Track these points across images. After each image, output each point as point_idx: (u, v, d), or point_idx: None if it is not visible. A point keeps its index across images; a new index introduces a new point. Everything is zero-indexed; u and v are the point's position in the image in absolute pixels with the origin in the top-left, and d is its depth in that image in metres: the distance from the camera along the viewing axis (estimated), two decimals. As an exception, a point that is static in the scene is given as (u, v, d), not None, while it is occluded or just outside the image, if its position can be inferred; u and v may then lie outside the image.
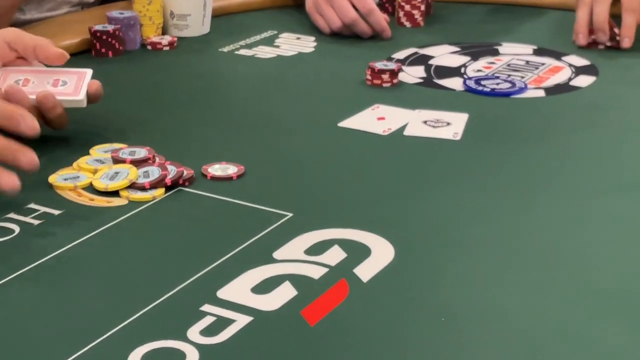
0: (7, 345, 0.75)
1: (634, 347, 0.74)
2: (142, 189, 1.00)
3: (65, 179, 1.03)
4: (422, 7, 1.65)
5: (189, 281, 0.84)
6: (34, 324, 0.78)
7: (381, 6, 1.65)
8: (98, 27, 1.47)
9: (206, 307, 0.79)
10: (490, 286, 0.84)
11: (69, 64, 1.15)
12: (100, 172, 1.03)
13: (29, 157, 0.95)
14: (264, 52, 1.51)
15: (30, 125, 0.98)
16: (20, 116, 0.98)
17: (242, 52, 1.51)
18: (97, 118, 1.18)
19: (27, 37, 1.11)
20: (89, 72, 1.10)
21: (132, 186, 1.01)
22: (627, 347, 0.73)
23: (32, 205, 0.98)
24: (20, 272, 0.86)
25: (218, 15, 1.63)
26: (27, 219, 0.95)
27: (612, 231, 0.94)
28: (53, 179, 1.03)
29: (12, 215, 0.96)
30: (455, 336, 0.77)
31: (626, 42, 1.49)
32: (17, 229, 0.93)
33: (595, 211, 0.98)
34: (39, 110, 1.09)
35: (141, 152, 1.06)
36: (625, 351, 0.72)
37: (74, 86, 1.08)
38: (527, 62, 1.46)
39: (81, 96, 1.07)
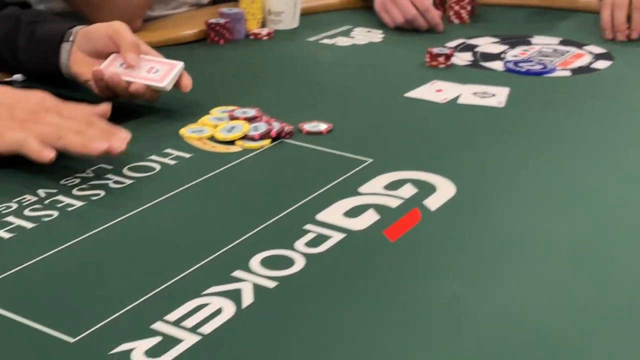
0: (160, 245, 0.80)
1: None
2: (253, 139, 1.03)
3: (192, 131, 1.06)
4: (469, 7, 1.65)
5: (293, 207, 0.86)
6: (178, 231, 0.83)
7: (434, 5, 1.65)
8: (212, 20, 1.49)
9: (308, 227, 0.82)
10: (531, 212, 0.86)
11: (188, 50, 1.16)
12: (219, 127, 1.06)
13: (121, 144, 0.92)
14: (342, 41, 1.52)
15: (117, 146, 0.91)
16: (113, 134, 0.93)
17: (325, 41, 1.52)
18: (214, 88, 1.21)
19: (127, 33, 1.12)
20: (180, 64, 1.10)
21: (245, 137, 1.03)
22: None
23: (169, 150, 1.01)
24: (165, 196, 0.89)
25: (305, 14, 1.64)
26: (166, 160, 0.98)
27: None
28: (183, 131, 1.07)
29: (153, 157, 0.99)
30: (507, 251, 0.79)
31: (634, 34, 1.48)
32: (158, 167, 0.97)
33: (615, 162, 0.99)
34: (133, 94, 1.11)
35: (251, 112, 1.09)
36: None
37: (162, 75, 1.08)
38: (555, 50, 1.46)
39: (164, 84, 1.07)
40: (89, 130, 0.92)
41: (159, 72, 1.09)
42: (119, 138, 0.91)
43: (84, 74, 1.13)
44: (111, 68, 1.10)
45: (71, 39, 1.15)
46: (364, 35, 1.55)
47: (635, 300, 0.70)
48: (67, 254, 0.77)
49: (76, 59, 1.14)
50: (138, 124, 1.08)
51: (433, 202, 0.87)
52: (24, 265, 0.74)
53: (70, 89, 1.15)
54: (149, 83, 1.09)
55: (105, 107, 0.99)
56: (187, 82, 1.10)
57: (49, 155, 0.87)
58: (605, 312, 0.68)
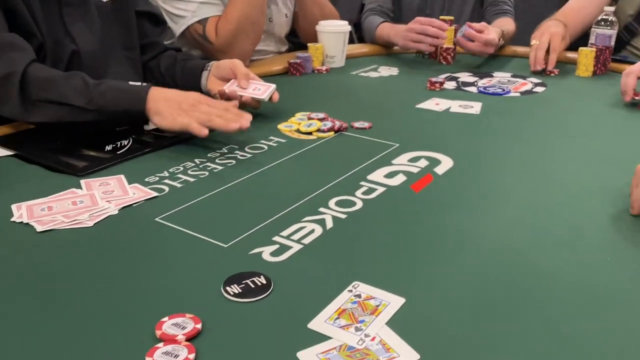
0: (273, 192, 0.82)
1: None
2: (323, 131, 1.05)
3: (285, 126, 1.09)
4: (452, 54, 1.63)
5: (352, 172, 0.89)
6: (283, 184, 0.85)
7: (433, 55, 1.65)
8: (292, 60, 1.50)
9: (363, 183, 0.85)
10: (502, 173, 0.87)
11: (276, 79, 1.19)
12: (302, 124, 1.08)
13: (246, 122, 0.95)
14: (373, 74, 1.51)
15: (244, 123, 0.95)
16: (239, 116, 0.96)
17: (362, 74, 1.52)
18: (295, 102, 1.22)
19: (241, 67, 1.13)
20: (273, 86, 1.11)
21: (318, 130, 1.05)
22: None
23: (271, 137, 1.04)
24: (272, 164, 0.92)
25: (349, 58, 1.63)
26: (270, 143, 1.01)
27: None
28: (280, 126, 1.09)
29: (262, 142, 1.02)
30: (492, 197, 0.80)
31: (550, 67, 1.49)
32: (265, 147, 0.99)
33: (549, 146, 0.99)
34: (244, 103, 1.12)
35: (321, 115, 1.11)
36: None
37: (262, 92, 1.09)
38: (509, 80, 1.45)
39: (264, 97, 1.09)
40: (227, 114, 0.96)
41: (260, 90, 1.11)
42: (246, 119, 0.95)
43: (214, 90, 1.15)
44: (231, 87, 1.12)
45: (208, 69, 1.18)
46: (387, 71, 1.56)
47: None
48: (216, 196, 0.81)
49: (211, 81, 1.17)
50: (253, 125, 1.09)
51: (440, 170, 0.89)
52: (190, 203, 0.78)
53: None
54: (254, 96, 1.11)
55: (235, 102, 1.04)
56: (277, 97, 1.12)
57: (205, 132, 0.92)
58: (572, 240, 0.70)
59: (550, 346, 0.52)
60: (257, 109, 1.14)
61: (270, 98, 1.11)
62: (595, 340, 0.52)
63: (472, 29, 1.54)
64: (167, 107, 0.95)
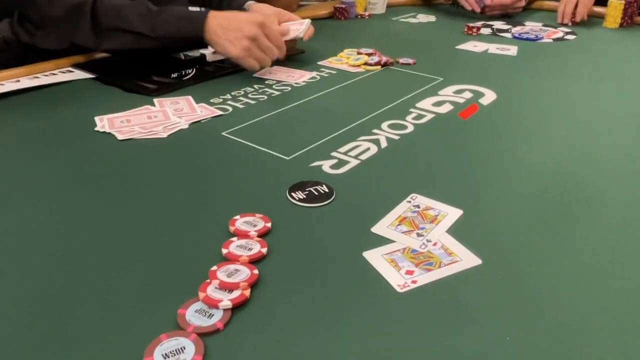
0: (330, 114, 0.76)
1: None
2: (371, 65, 0.98)
3: (335, 60, 1.02)
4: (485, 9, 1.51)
5: (401, 100, 0.83)
6: (339, 108, 0.79)
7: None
8: (337, 5, 1.41)
9: (412, 110, 0.79)
10: (540, 108, 0.80)
11: (323, 22, 1.10)
12: (351, 57, 1.02)
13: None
14: (412, 20, 1.42)
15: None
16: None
17: (402, 20, 1.43)
18: (343, 40, 1.14)
19: (285, 12, 1.03)
20: (307, 20, 1.01)
21: (366, 64, 0.99)
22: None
23: (323, 69, 0.97)
24: (327, 90, 0.86)
25: (389, 6, 1.54)
26: (323, 74, 0.95)
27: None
28: (331, 59, 1.02)
29: (315, 73, 0.95)
30: (535, 125, 0.73)
31: (578, 18, 1.37)
32: (318, 77, 0.93)
33: (582, 86, 0.90)
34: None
35: (370, 50, 1.04)
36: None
37: (297, 29, 1.01)
38: (540, 28, 1.34)
39: (300, 33, 0.98)
40: (272, 50, 0.88)
41: (295, 27, 1.02)
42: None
43: None
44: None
45: (245, 8, 1.07)
46: (425, 18, 1.46)
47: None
48: (275, 116, 0.76)
49: None
50: (307, 57, 1.04)
51: (484, 101, 0.82)
52: (253, 121, 0.74)
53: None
54: (295, 35, 1.01)
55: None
56: (309, 33, 1.01)
57: (256, 67, 0.88)
58: (598, 158, 0.63)
59: (602, 253, 0.46)
60: (299, 52, 1.06)
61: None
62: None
63: None
64: (226, 38, 0.86)
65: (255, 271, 0.43)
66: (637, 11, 1.37)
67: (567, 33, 1.30)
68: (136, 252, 0.46)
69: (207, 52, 0.96)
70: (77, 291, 0.42)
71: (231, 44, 0.86)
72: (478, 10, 1.46)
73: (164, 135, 0.68)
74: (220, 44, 0.86)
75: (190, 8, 0.90)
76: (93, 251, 0.46)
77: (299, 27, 1.00)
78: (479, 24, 1.35)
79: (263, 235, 0.48)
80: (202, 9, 0.91)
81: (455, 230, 0.49)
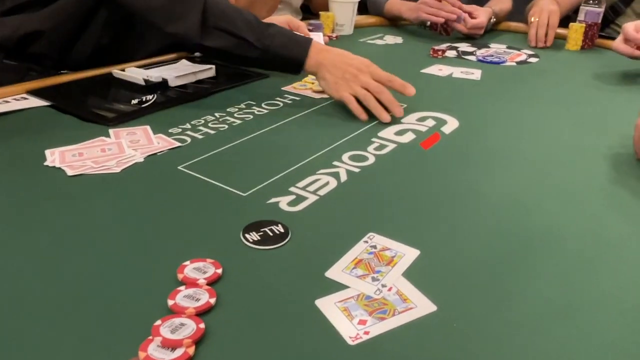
0: (288, 145, 0.74)
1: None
2: (335, 91, 0.96)
3: (299, 85, 1.00)
4: (452, 27, 1.52)
5: (364, 128, 0.81)
6: (299, 137, 0.77)
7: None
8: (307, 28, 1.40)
9: (374, 139, 0.77)
10: (504, 134, 0.79)
11: None
12: (315, 83, 0.99)
13: (400, 110, 0.84)
14: (379, 42, 1.43)
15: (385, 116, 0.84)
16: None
17: (368, 42, 1.43)
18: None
19: (296, 21, 1.05)
20: (319, 33, 1.05)
21: (330, 90, 0.97)
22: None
23: (287, 95, 0.96)
24: (289, 119, 0.84)
25: (357, 27, 1.54)
26: (285, 100, 0.93)
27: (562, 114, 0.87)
28: (295, 85, 1.00)
29: (278, 99, 0.93)
30: (497, 155, 0.73)
31: (549, 43, 1.40)
32: (281, 104, 0.91)
33: (542, 109, 0.91)
34: None
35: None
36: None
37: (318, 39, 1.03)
38: (504, 51, 1.36)
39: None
40: (384, 94, 0.84)
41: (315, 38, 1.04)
42: (400, 108, 0.84)
43: None
44: None
45: None
46: (392, 39, 1.47)
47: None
48: (234, 148, 0.74)
49: None
50: (271, 81, 1.03)
51: (446, 129, 0.82)
52: (211, 153, 0.72)
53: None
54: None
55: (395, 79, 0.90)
56: (326, 39, 1.07)
57: (365, 117, 0.83)
58: (560, 190, 0.63)
59: (562, 294, 0.45)
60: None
61: None
62: (605, 287, 0.46)
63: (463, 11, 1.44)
64: (332, 74, 0.86)
65: (202, 325, 0.41)
66: (597, 33, 1.41)
67: (530, 55, 1.32)
68: (75, 303, 0.43)
69: (170, 76, 0.94)
70: (6, 341, 0.39)
71: (338, 84, 0.85)
72: (459, 16, 1.44)
73: (117, 170, 0.66)
74: (326, 80, 0.86)
75: (296, 33, 0.91)
76: (28, 302, 0.43)
77: (316, 37, 1.01)
78: (444, 46, 1.36)
79: (213, 282, 0.46)
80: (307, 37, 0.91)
81: (411, 273, 0.48)
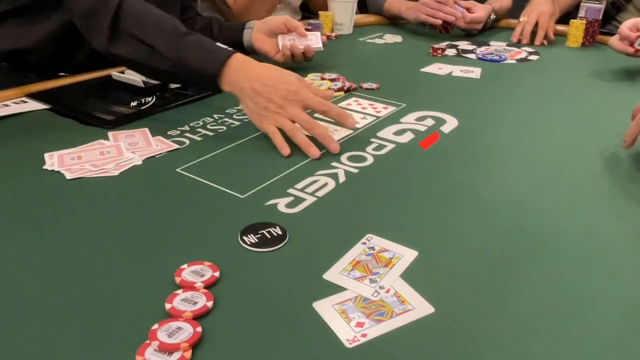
0: (272, 152, 0.73)
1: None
2: (334, 91, 0.97)
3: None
4: (451, 26, 1.51)
5: (363, 128, 0.81)
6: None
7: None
8: (304, 27, 1.39)
9: (373, 139, 0.77)
10: (502, 133, 0.79)
11: None
12: (314, 83, 0.99)
13: (335, 146, 0.72)
14: (378, 41, 1.42)
15: (333, 147, 0.72)
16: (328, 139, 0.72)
17: (368, 41, 1.43)
18: (309, 65, 1.12)
19: (292, 20, 1.02)
20: (317, 33, 1.03)
21: (329, 90, 0.96)
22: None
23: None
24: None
25: (356, 26, 1.53)
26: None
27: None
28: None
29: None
30: (496, 154, 0.73)
31: (537, 42, 1.39)
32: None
33: (542, 107, 0.91)
34: (303, 54, 1.05)
35: (333, 75, 1.02)
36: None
37: (316, 41, 1.03)
38: (504, 49, 1.35)
39: (320, 45, 1.02)
40: (318, 128, 0.72)
41: (313, 41, 1.04)
42: (336, 144, 0.72)
43: (264, 48, 1.04)
44: (285, 42, 1.04)
45: (251, 26, 1.06)
46: (391, 38, 1.46)
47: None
48: (233, 150, 0.73)
49: (257, 38, 1.04)
50: None
51: (445, 129, 0.82)
52: (209, 155, 0.71)
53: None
54: (314, 46, 1.03)
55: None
56: (324, 39, 1.03)
57: (287, 151, 0.70)
58: (558, 190, 0.63)
59: (559, 294, 0.45)
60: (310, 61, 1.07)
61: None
62: (602, 287, 0.46)
63: (460, 7, 1.44)
64: (254, 99, 0.73)
65: (199, 329, 0.41)
66: (598, 30, 1.40)
67: (530, 53, 1.31)
68: (73, 306, 0.43)
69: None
70: (4, 347, 0.39)
71: (261, 114, 0.73)
72: (458, 18, 1.43)
73: (116, 173, 0.66)
74: (247, 106, 0.75)
75: (219, 44, 0.79)
76: (26, 305, 0.43)
77: (313, 38, 1.01)
78: (443, 44, 1.36)
79: (210, 286, 0.46)
80: (229, 48, 0.78)
81: (409, 275, 0.47)
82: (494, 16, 1.53)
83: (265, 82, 0.73)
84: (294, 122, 0.72)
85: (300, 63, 1.08)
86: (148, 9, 0.81)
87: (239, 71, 0.75)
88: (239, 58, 0.76)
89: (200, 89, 0.82)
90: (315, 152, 0.70)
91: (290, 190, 0.62)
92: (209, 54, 0.76)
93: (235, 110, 0.87)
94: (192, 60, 0.76)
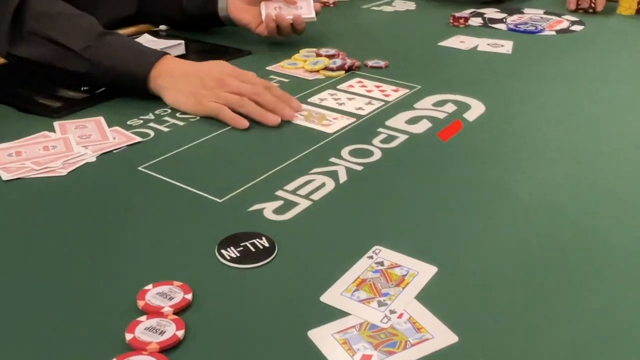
0: (275, 138, 0.74)
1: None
2: (332, 70, 0.97)
3: (288, 64, 1.01)
4: None
5: (367, 116, 0.82)
6: (289, 127, 0.77)
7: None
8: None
9: (380, 130, 0.78)
10: (537, 121, 0.80)
11: None
12: (308, 60, 1.01)
13: (296, 104, 0.82)
14: (387, 9, 1.43)
15: (288, 114, 0.79)
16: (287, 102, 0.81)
17: (374, 8, 1.43)
18: (302, 38, 1.13)
19: None
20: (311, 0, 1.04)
21: (326, 68, 0.98)
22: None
23: (273, 76, 0.97)
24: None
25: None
26: (272, 83, 0.92)
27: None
28: (283, 63, 1.01)
29: (263, 81, 0.93)
30: (529, 146, 0.73)
31: (599, 7, 1.38)
32: (267, 87, 0.91)
33: (589, 88, 0.91)
34: (292, 25, 1.05)
35: (331, 51, 1.03)
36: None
37: (307, 9, 1.03)
38: (541, 17, 1.36)
39: (313, 15, 1.02)
40: (266, 94, 0.79)
41: (304, 9, 1.04)
42: (291, 107, 0.80)
43: (244, 19, 1.06)
44: (270, 10, 1.04)
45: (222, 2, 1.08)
46: (402, 5, 1.47)
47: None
48: (209, 143, 0.74)
49: (235, 7, 1.06)
50: (251, 59, 1.04)
51: (470, 116, 0.82)
52: (180, 149, 0.72)
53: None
54: (305, 16, 1.03)
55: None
56: (317, 7, 1.04)
57: (245, 123, 0.76)
58: (610, 194, 0.63)
59: (612, 321, 0.45)
60: (301, 34, 1.07)
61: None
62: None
63: None
64: (188, 85, 0.80)
65: (167, 364, 0.41)
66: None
67: (573, 22, 1.32)
68: (12, 341, 0.43)
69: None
70: None
71: (199, 94, 0.79)
72: None
73: (64, 172, 0.66)
74: (182, 93, 0.80)
75: (147, 45, 0.87)
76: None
77: (304, 6, 1.02)
78: (467, 12, 1.36)
79: (181, 311, 0.46)
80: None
81: (427, 296, 0.47)
82: None
83: (197, 67, 0.82)
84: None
85: (288, 37, 1.08)
86: (58, 7, 0.85)
87: (170, 71, 0.82)
88: (169, 59, 0.83)
89: (123, 89, 0.85)
90: (273, 118, 0.77)
91: (280, 193, 0.62)
92: (137, 55, 0.83)
93: (212, 95, 0.87)
94: (116, 61, 0.82)
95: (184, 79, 0.81)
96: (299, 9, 1.05)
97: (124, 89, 0.84)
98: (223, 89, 0.79)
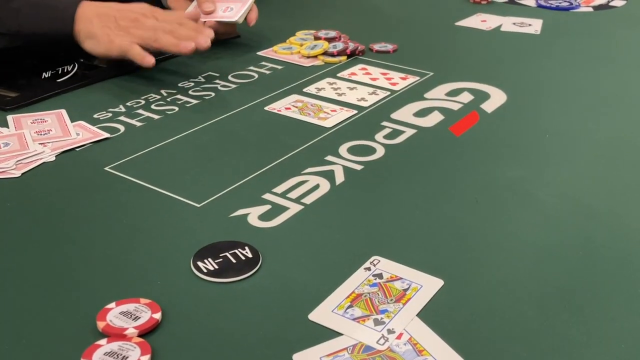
0: (264, 133, 0.75)
1: None
2: (332, 55, 0.98)
3: (282, 49, 1.01)
4: None
5: (370, 108, 0.82)
6: (279, 122, 0.78)
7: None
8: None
9: (385, 123, 0.78)
10: (567, 113, 0.80)
11: None
12: (305, 44, 1.01)
13: (209, 32, 0.88)
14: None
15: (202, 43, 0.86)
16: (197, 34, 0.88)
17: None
18: (298, 19, 1.14)
19: None
20: (250, 1, 1.02)
21: (325, 53, 0.99)
22: None
23: (264, 62, 0.98)
24: (265, 97, 0.85)
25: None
26: (263, 70, 0.95)
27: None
28: (276, 48, 1.02)
29: (252, 68, 0.96)
30: (555, 143, 0.74)
31: None
32: (256, 74, 0.93)
33: (630, 74, 0.92)
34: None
35: (332, 33, 1.03)
36: None
37: (235, 12, 1.02)
38: (578, -9, 1.38)
39: (237, 18, 0.99)
40: (180, 29, 0.87)
41: (233, 10, 1.04)
42: (206, 35, 0.86)
43: (178, 8, 1.06)
44: (192, 10, 1.04)
45: None
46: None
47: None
48: (186, 140, 0.75)
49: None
50: (244, 43, 1.05)
51: (488, 106, 0.83)
52: (152, 147, 0.73)
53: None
54: (224, 20, 1.02)
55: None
56: (253, 16, 1.02)
57: (150, 60, 0.84)
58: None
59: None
60: (234, 36, 1.07)
61: (245, 19, 1.01)
62: None
63: None
64: (101, 26, 0.85)
65: (129, 393, 0.41)
66: None
67: (614, -3, 1.34)
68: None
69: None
70: None
71: (111, 33, 0.85)
72: None
73: (17, 173, 0.67)
74: (97, 37, 0.85)
75: None
76: None
77: (237, 5, 1.00)
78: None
79: (147, 333, 0.46)
80: None
81: (431, 313, 0.48)
82: None
83: (112, 7, 0.88)
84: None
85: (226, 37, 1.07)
86: None
87: (90, 17, 0.86)
88: (85, 6, 0.87)
89: (47, 51, 0.91)
90: (186, 44, 0.84)
91: (267, 196, 0.62)
92: (51, 11, 0.85)
93: (193, 84, 0.88)
94: (33, 26, 0.85)
95: (98, 19, 0.86)
96: (228, 10, 1.02)
97: (55, 50, 0.90)
98: (138, 27, 0.86)
